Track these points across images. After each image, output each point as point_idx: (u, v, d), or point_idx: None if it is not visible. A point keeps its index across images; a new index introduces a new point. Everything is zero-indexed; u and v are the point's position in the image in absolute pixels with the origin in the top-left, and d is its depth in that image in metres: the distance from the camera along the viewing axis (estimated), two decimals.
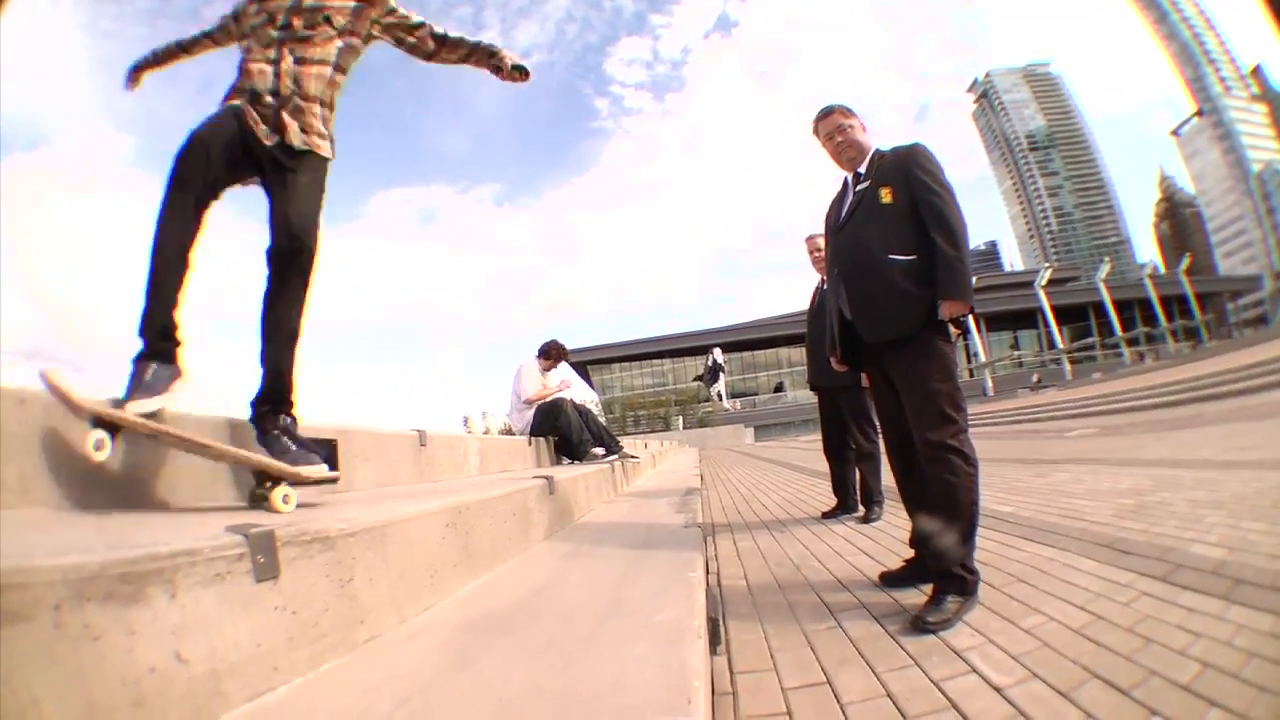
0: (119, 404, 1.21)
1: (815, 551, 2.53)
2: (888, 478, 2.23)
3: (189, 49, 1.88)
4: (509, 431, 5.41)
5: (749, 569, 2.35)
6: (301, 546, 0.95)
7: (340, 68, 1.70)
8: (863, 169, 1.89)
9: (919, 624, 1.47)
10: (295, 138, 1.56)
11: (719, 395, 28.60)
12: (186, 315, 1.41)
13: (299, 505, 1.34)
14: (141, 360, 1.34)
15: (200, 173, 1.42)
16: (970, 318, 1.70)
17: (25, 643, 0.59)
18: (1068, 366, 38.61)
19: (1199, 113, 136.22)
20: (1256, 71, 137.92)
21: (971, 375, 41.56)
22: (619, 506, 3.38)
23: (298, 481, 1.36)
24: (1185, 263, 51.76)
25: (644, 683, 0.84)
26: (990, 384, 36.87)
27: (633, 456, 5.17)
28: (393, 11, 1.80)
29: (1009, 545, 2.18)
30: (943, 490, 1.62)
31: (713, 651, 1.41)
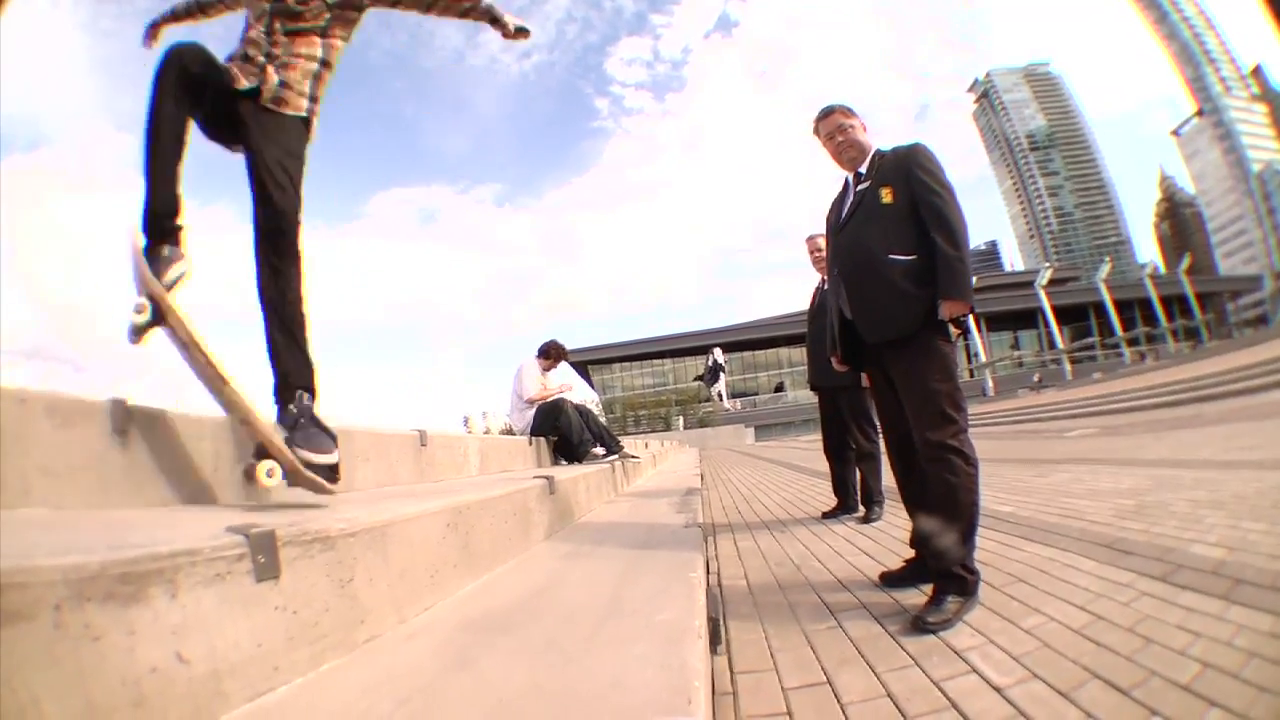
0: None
1: (816, 551, 2.53)
2: (888, 478, 2.24)
3: (205, 9, 1.93)
4: (509, 431, 5.41)
5: (749, 569, 2.35)
6: (302, 546, 0.95)
7: (330, 34, 1.71)
8: (863, 169, 1.89)
9: (919, 624, 1.47)
10: (271, 91, 1.57)
11: (719, 395, 28.58)
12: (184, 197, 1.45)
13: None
14: (152, 248, 1.39)
15: (189, 72, 1.42)
16: (970, 318, 1.70)
17: (25, 643, 0.59)
18: (1068, 366, 38.63)
19: (1199, 113, 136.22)
20: (1256, 71, 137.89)
21: (972, 375, 41.58)
22: (619, 506, 3.38)
23: (295, 470, 1.35)
24: (1185, 263, 51.80)
25: (644, 683, 0.84)
26: (990, 384, 36.88)
27: (633, 456, 5.17)
28: None
29: (1009, 545, 2.18)
30: (943, 490, 1.62)
31: (713, 651, 1.41)
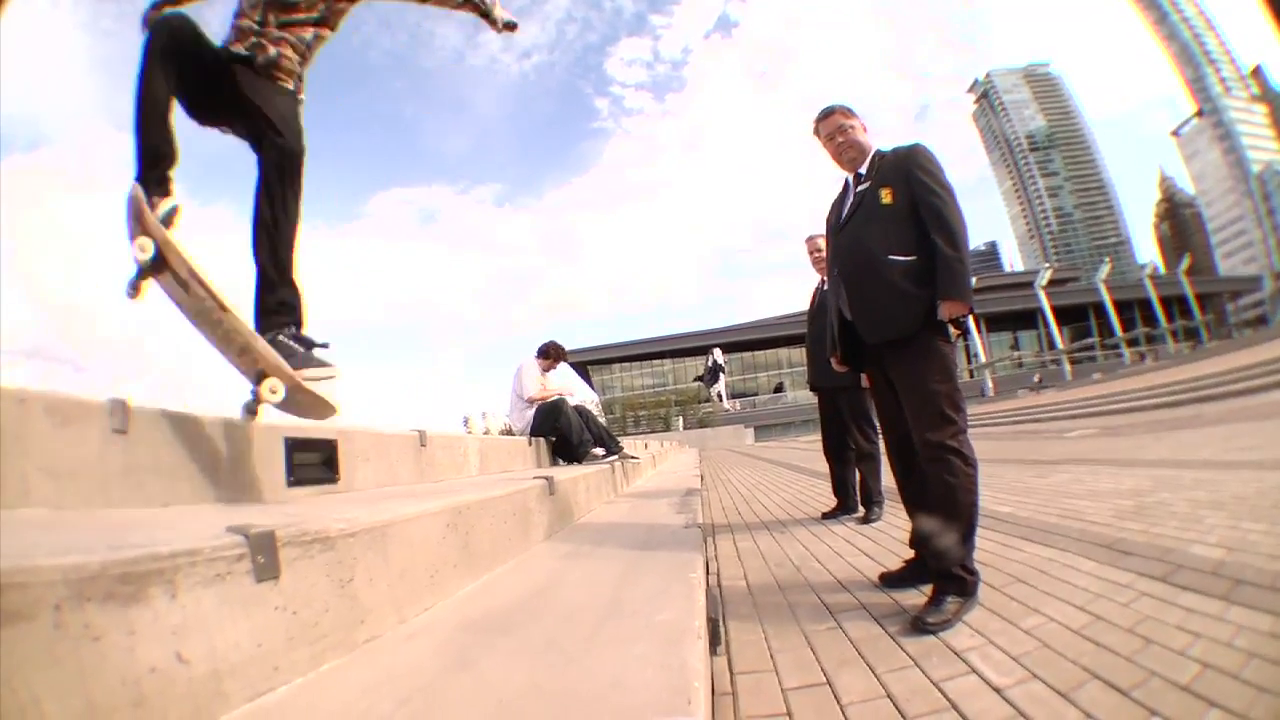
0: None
1: (815, 552, 2.53)
2: (888, 478, 2.23)
3: None
4: (509, 432, 5.41)
5: (749, 569, 2.35)
6: (302, 547, 0.95)
7: (320, 25, 1.74)
8: (863, 169, 1.89)
9: (919, 625, 1.47)
10: (268, 58, 1.62)
11: (719, 395, 28.61)
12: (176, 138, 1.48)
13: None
14: (146, 190, 1.41)
15: (177, 35, 1.47)
16: (970, 318, 1.71)
17: (25, 643, 0.59)
18: (1068, 367, 38.61)
19: (1199, 113, 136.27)
20: (1256, 72, 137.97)
21: (971, 376, 41.55)
22: (619, 507, 3.38)
23: (296, 386, 1.37)
24: (1185, 263, 51.76)
25: (644, 683, 0.84)
26: (990, 384, 36.85)
27: (633, 457, 5.17)
28: None
29: (1009, 546, 2.18)
30: (942, 491, 1.62)
31: (713, 652, 1.41)
